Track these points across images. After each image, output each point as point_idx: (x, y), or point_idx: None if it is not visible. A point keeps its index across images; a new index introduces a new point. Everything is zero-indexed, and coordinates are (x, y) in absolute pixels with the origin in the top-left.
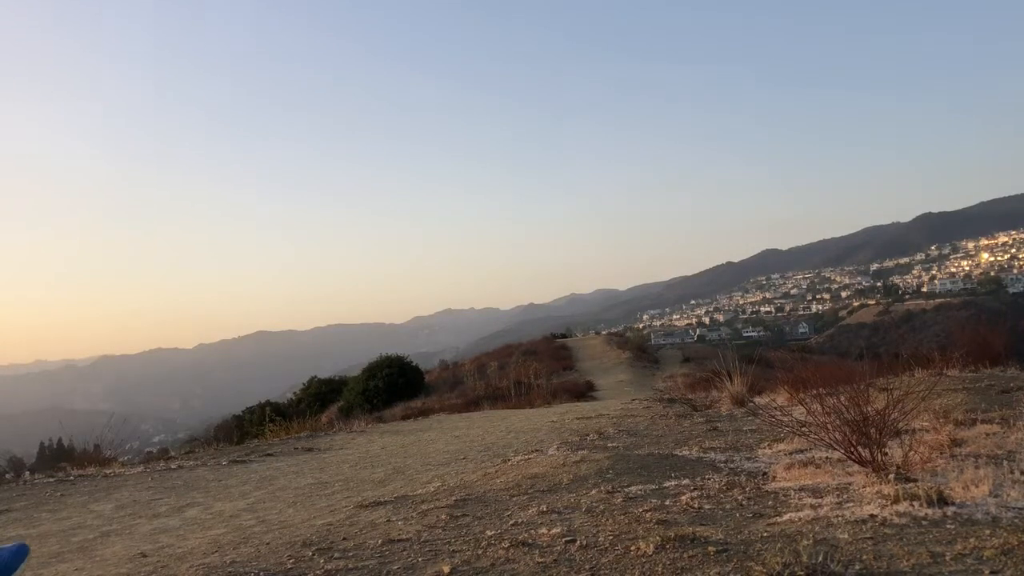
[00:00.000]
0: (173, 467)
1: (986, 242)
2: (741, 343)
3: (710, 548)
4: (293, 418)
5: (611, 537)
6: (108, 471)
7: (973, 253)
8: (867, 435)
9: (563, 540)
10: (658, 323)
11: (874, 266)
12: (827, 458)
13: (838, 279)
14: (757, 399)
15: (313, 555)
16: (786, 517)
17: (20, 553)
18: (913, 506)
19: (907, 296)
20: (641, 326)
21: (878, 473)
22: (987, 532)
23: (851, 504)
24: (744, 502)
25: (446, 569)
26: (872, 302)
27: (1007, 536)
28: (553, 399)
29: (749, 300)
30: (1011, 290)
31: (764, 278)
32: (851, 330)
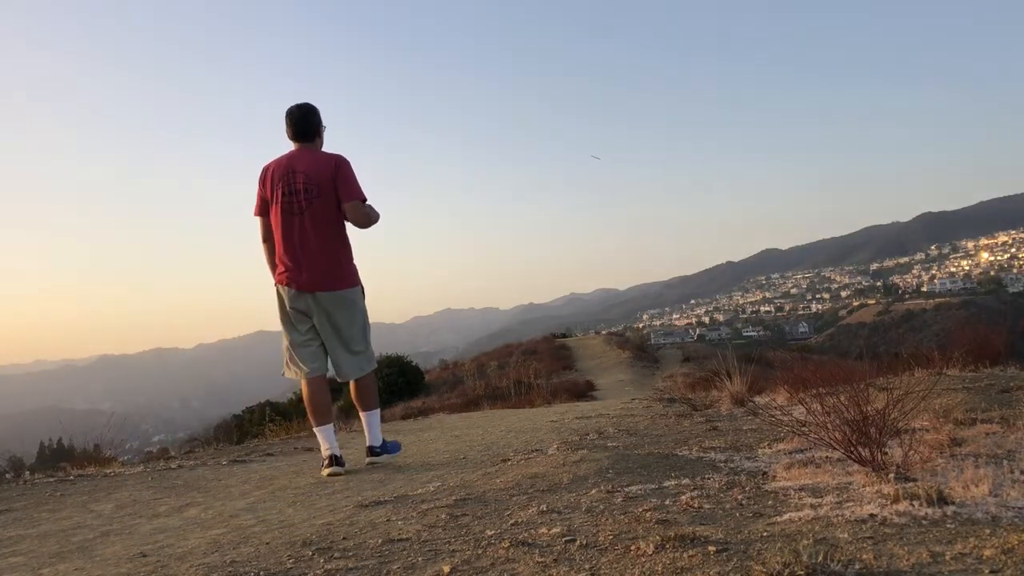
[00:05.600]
0: (173, 467)
1: (986, 242)
2: (741, 343)
3: (710, 548)
4: (293, 418)
5: (611, 537)
6: (108, 471)
7: (973, 253)
8: (867, 435)
9: (563, 540)
10: (658, 323)
11: (874, 266)
12: (827, 458)
13: (838, 279)
14: (757, 399)
15: (313, 555)
16: (786, 517)
17: (398, 444)
18: (913, 505)
19: (907, 296)
20: (641, 326)
21: (878, 473)
22: (987, 531)
23: (851, 504)
24: (744, 502)
25: (446, 569)
26: (872, 302)
27: (1007, 535)
28: (553, 399)
29: (749, 300)
30: (1011, 290)
31: (764, 278)
32: (851, 330)
